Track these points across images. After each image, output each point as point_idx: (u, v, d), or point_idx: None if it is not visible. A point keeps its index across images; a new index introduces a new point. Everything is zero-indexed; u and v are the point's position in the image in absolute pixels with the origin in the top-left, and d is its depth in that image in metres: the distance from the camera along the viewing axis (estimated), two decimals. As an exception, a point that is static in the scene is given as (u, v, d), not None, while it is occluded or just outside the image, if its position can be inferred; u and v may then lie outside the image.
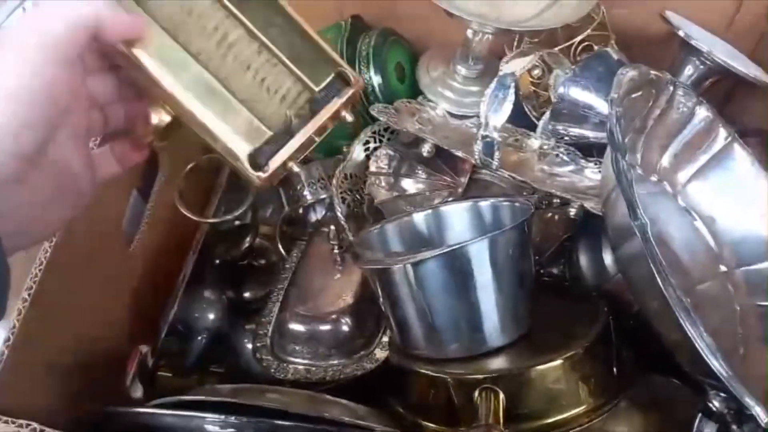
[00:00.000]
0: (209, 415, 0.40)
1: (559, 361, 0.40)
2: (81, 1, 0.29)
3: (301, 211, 0.68)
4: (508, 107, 0.51)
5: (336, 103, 0.36)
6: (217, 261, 0.63)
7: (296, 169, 0.36)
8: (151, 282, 0.57)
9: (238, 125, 0.34)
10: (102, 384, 0.50)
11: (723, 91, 0.61)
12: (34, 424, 0.38)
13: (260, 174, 0.34)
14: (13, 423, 0.38)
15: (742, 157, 0.50)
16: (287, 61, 0.35)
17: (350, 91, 0.37)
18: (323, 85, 0.36)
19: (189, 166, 0.57)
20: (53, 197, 0.32)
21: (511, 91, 0.51)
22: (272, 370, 0.51)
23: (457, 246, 0.41)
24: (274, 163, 0.34)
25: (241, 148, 0.34)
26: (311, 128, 0.35)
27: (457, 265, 0.41)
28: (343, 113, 0.37)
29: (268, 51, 0.35)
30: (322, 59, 0.36)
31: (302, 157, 0.36)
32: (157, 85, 0.32)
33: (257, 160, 0.34)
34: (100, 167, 0.35)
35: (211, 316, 0.60)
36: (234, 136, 0.34)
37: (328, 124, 0.36)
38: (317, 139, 0.36)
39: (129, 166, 0.37)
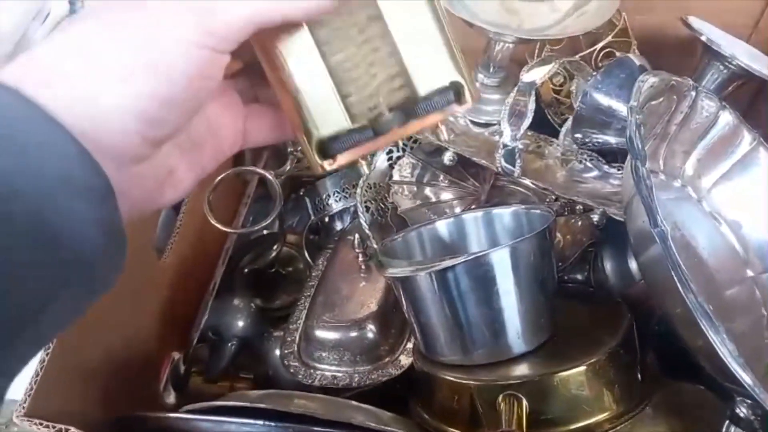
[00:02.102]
0: (240, 420, 0.41)
1: (582, 368, 0.40)
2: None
3: (326, 219, 0.69)
4: (528, 116, 0.51)
5: (436, 116, 0.31)
6: (246, 270, 0.65)
7: (365, 168, 0.33)
8: (182, 291, 0.59)
9: (322, 106, 0.29)
10: (136, 389, 0.51)
11: (747, 95, 0.60)
12: (73, 429, 0.39)
13: (326, 163, 0.30)
14: (53, 428, 0.39)
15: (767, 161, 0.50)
16: (402, 50, 0.30)
17: (458, 109, 0.31)
18: (431, 91, 0.30)
19: (218, 179, 0.58)
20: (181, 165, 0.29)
21: (532, 99, 0.51)
22: (300, 376, 0.52)
23: (480, 254, 0.41)
24: (344, 158, 0.30)
25: (314, 133, 0.29)
26: (398, 134, 0.31)
27: (480, 273, 0.41)
28: (440, 128, 0.32)
29: (387, 36, 0.29)
30: (444, 63, 0.30)
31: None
32: (280, 67, 0.28)
33: (327, 148, 0.30)
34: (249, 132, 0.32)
35: (240, 324, 0.62)
36: (313, 117, 0.29)
37: (417, 133, 0.33)
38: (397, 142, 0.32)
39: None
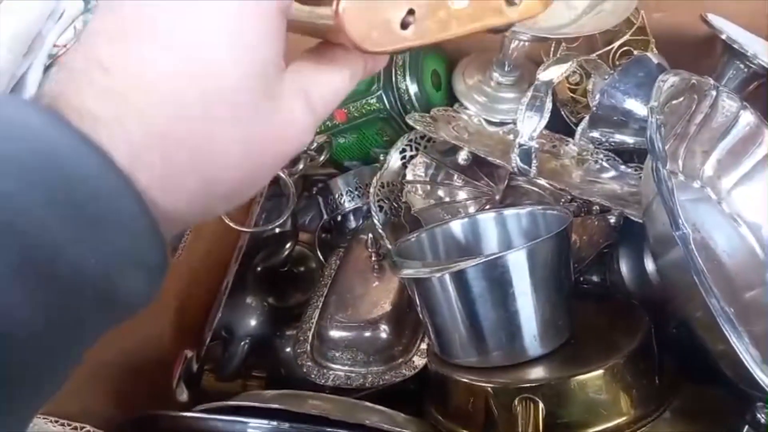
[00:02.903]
0: (253, 421, 0.41)
1: (599, 371, 0.40)
2: None
3: (339, 218, 0.69)
4: (545, 115, 0.51)
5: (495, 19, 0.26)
6: (259, 268, 0.65)
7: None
8: (195, 290, 0.59)
9: None
10: (150, 388, 0.52)
11: (768, 94, 0.59)
12: (89, 427, 0.39)
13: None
14: (69, 425, 0.40)
15: (789, 162, 0.49)
16: None
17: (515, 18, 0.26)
18: None
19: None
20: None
21: (548, 99, 0.51)
22: (313, 376, 0.52)
23: (496, 256, 0.41)
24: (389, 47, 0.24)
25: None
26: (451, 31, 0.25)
27: (496, 275, 0.41)
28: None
29: None
30: None
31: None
32: None
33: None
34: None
35: (253, 322, 0.62)
36: None
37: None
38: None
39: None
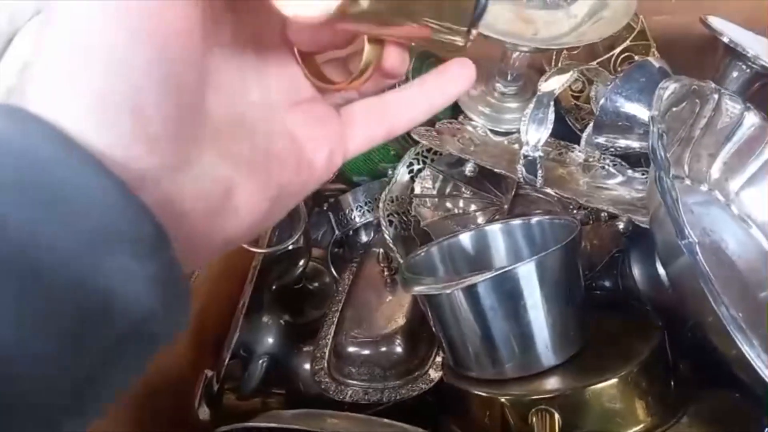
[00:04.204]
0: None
1: (614, 380, 0.40)
2: None
3: (350, 233, 0.70)
4: (548, 126, 0.51)
5: None
6: (274, 286, 0.65)
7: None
8: (212, 310, 0.60)
9: None
10: (171, 409, 0.52)
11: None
12: (112, 450, 0.40)
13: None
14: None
15: (796, 160, 0.49)
16: None
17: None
18: None
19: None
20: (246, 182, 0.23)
21: (551, 110, 0.51)
22: (331, 393, 0.53)
23: (506, 269, 0.41)
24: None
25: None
26: None
27: (507, 288, 0.41)
28: None
29: None
30: None
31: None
32: None
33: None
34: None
35: (271, 340, 0.62)
36: None
37: None
38: None
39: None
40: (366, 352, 0.53)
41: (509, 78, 0.63)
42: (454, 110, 0.67)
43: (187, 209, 0.21)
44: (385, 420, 0.45)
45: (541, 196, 0.60)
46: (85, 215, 0.17)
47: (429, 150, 0.64)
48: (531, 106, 0.52)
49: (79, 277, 0.17)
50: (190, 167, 0.21)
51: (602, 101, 0.55)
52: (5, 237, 0.16)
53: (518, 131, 0.57)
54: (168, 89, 0.19)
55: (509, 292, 0.42)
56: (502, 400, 0.42)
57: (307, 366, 0.59)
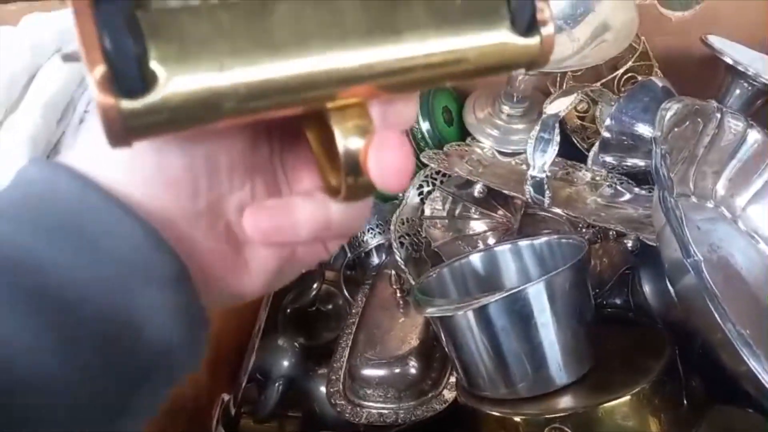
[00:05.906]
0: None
1: (626, 398, 0.41)
2: None
3: (362, 255, 0.71)
4: (554, 147, 0.52)
5: None
6: (288, 310, 0.66)
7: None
8: (228, 335, 0.61)
9: None
10: (190, 432, 0.53)
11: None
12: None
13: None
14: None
15: (801, 176, 0.49)
16: None
17: None
18: None
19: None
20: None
21: (556, 131, 0.52)
22: (347, 415, 0.54)
23: (516, 290, 0.42)
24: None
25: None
26: None
27: (517, 308, 0.42)
28: None
29: None
30: None
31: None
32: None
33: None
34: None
35: (286, 363, 0.63)
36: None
37: None
38: None
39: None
40: (380, 373, 0.54)
41: (515, 100, 0.65)
42: (462, 132, 0.69)
43: (201, 250, 0.22)
44: (401, 441, 0.46)
45: (549, 215, 0.60)
46: (118, 255, 0.19)
47: (438, 172, 0.65)
48: (537, 128, 0.53)
49: (112, 311, 0.19)
50: (205, 211, 0.22)
51: (607, 121, 0.56)
52: (46, 277, 0.18)
53: (525, 152, 0.58)
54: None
55: (520, 312, 0.42)
56: (517, 419, 0.43)
57: (323, 388, 0.59)
